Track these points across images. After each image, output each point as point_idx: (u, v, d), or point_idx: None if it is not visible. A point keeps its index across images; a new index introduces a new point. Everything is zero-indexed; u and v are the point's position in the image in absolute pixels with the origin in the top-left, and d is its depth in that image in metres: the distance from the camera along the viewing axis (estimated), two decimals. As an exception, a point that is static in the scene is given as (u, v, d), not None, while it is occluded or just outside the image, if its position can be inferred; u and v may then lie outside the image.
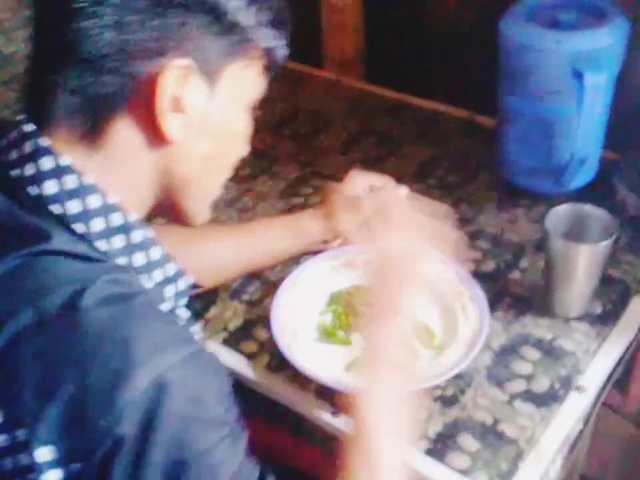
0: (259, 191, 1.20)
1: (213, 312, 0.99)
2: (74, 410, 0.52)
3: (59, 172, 0.59)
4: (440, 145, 1.26)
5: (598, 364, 0.87)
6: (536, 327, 0.92)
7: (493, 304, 0.93)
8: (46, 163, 0.59)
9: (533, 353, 0.88)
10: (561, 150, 1.03)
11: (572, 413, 0.82)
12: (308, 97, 1.44)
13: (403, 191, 1.03)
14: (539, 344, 0.89)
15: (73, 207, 0.59)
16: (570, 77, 0.97)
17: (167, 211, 0.69)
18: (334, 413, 0.84)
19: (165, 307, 0.64)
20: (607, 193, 1.07)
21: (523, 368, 0.87)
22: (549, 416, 0.81)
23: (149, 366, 0.53)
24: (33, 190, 0.59)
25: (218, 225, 1.12)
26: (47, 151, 0.60)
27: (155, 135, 0.61)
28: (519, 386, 0.84)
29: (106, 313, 0.54)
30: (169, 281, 0.67)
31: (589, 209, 0.91)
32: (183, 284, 0.70)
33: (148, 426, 0.52)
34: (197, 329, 0.73)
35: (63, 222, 0.59)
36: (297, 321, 0.93)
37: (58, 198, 0.59)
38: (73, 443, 0.52)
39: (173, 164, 0.64)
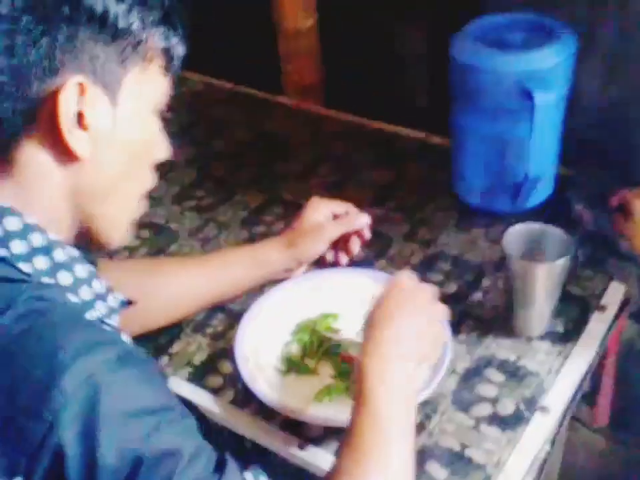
0: (221, 220, 1.20)
1: (177, 347, 0.98)
2: (7, 428, 0.52)
3: None
4: (397, 168, 1.27)
5: (562, 383, 0.87)
6: (499, 348, 0.92)
7: (456, 326, 0.93)
8: None
9: (497, 375, 0.89)
10: (515, 169, 1.04)
11: (538, 434, 0.82)
12: (267, 123, 1.45)
13: (365, 218, 1.03)
14: (503, 365, 0.90)
15: None
16: (520, 97, 0.99)
17: (85, 234, 0.68)
18: (301, 446, 0.83)
19: (92, 315, 0.65)
20: (563, 210, 1.08)
21: (488, 391, 0.87)
22: (515, 439, 0.81)
23: (74, 369, 0.53)
24: None
25: (180, 257, 1.12)
26: None
27: (63, 153, 0.61)
28: (484, 409, 0.85)
29: (25, 328, 0.55)
30: (97, 298, 0.67)
31: (545, 227, 0.92)
32: (113, 301, 0.70)
33: (88, 429, 0.52)
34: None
35: None
36: (262, 352, 0.92)
37: None
38: (14, 457, 0.52)
39: (86, 180, 0.63)
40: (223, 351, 0.96)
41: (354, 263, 1.06)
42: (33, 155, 0.61)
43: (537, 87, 0.96)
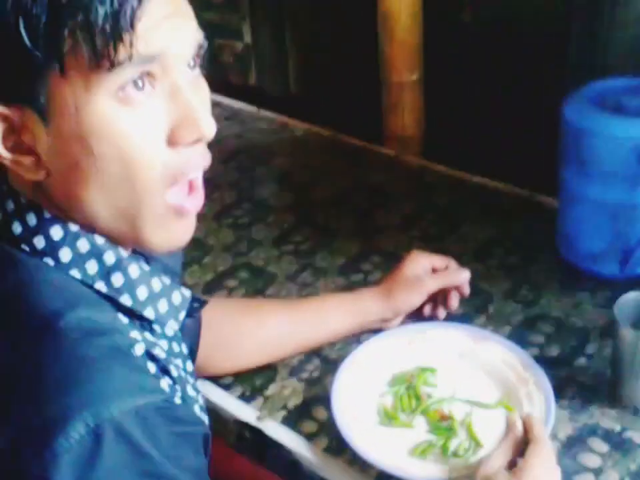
0: (319, 266, 1.21)
1: (271, 389, 0.98)
2: (8, 453, 0.52)
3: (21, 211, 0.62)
4: (500, 224, 1.26)
5: (670, 459, 0.84)
6: (603, 417, 0.89)
7: (558, 391, 0.90)
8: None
9: (601, 446, 0.86)
10: (627, 235, 1.02)
11: (644, 510, 0.79)
12: (367, 173, 1.46)
13: (465, 274, 1.02)
14: (607, 436, 0.87)
15: (38, 241, 0.61)
16: (636, 163, 0.97)
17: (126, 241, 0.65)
18: (395, 501, 0.82)
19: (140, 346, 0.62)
20: (674, 279, 1.05)
21: (591, 461, 0.84)
22: (619, 513, 0.78)
23: (89, 413, 0.51)
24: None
25: (278, 299, 1.13)
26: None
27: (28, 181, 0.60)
28: (587, 480, 0.82)
29: (71, 346, 0.55)
30: (156, 296, 0.66)
31: (658, 297, 0.89)
32: (177, 298, 0.69)
33: (79, 477, 0.51)
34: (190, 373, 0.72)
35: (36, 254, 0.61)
36: (357, 402, 0.92)
37: (23, 236, 0.61)
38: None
39: (54, 189, 0.61)
40: (318, 397, 0.96)
41: (452, 317, 1.05)
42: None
43: (654, 153, 0.95)
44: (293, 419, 0.94)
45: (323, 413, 0.93)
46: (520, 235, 1.22)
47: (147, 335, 0.65)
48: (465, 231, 1.25)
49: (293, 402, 0.96)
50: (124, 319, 0.64)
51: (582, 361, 0.97)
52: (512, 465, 0.75)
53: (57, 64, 0.54)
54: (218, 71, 1.82)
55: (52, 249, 0.61)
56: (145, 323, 0.66)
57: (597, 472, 0.83)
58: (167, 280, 0.69)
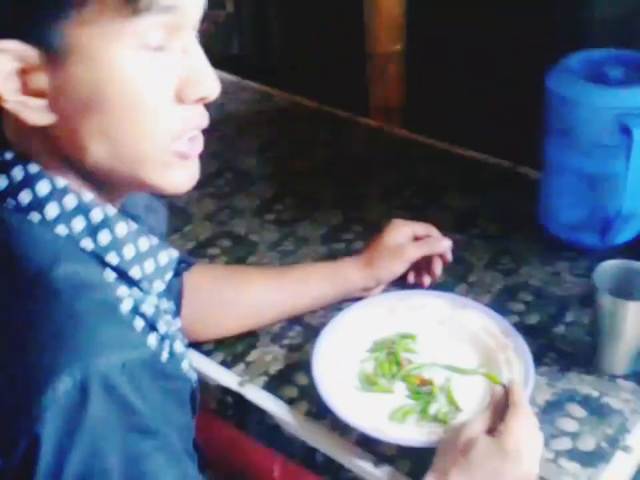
0: (300, 235, 1.21)
1: (253, 355, 0.99)
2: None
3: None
4: (482, 195, 1.26)
5: (646, 423, 0.85)
6: (582, 383, 0.90)
7: (537, 358, 0.92)
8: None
9: (578, 411, 0.87)
10: (607, 205, 1.03)
11: (619, 472, 0.80)
12: (350, 144, 1.46)
13: (447, 242, 1.03)
14: (584, 401, 0.88)
15: (24, 196, 0.60)
16: (617, 133, 0.98)
17: (131, 186, 0.66)
18: (376, 463, 0.83)
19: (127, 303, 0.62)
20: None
21: (569, 425, 0.85)
22: (595, 476, 0.79)
23: (76, 367, 0.52)
24: None
25: (260, 267, 1.13)
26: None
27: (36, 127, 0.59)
28: (564, 444, 0.83)
29: (58, 302, 0.55)
30: (143, 256, 0.66)
31: (636, 265, 0.90)
32: (164, 258, 0.68)
33: (66, 430, 0.51)
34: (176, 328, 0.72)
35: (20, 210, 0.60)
36: (338, 368, 0.92)
37: (8, 191, 0.60)
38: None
39: (61, 134, 0.60)
40: (299, 363, 0.97)
41: (433, 285, 1.06)
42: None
43: (636, 124, 0.95)
44: (274, 385, 0.94)
45: (304, 379, 0.94)
46: (501, 205, 1.23)
47: (135, 290, 0.65)
48: (446, 201, 1.26)
49: (274, 367, 0.97)
50: (111, 275, 0.63)
51: (561, 328, 0.98)
52: (494, 432, 0.75)
53: (79, 5, 0.54)
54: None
55: (38, 204, 0.60)
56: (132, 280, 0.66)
57: (574, 436, 0.84)
58: (154, 240, 0.68)
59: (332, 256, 1.14)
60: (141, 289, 0.66)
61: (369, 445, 0.84)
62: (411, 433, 0.84)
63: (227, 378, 0.95)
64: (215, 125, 1.51)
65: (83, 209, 0.62)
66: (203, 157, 1.41)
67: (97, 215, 0.63)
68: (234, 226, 1.24)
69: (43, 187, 0.60)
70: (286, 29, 1.71)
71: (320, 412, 0.89)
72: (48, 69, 0.56)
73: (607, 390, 0.89)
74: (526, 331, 0.95)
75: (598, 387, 0.90)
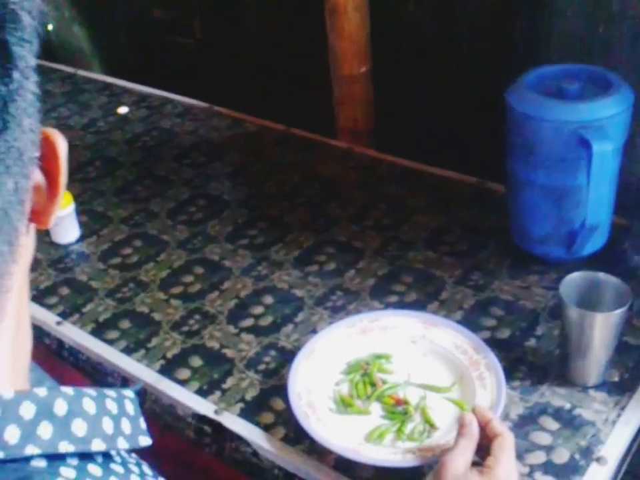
0: (274, 259, 1.22)
1: (229, 382, 0.99)
2: None
3: None
4: (451, 212, 1.28)
5: (618, 433, 0.86)
6: (554, 395, 0.91)
7: (510, 372, 0.93)
8: None
9: (551, 423, 0.88)
10: (572, 218, 1.05)
11: (593, 484, 0.81)
12: (320, 166, 1.47)
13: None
14: (557, 414, 0.89)
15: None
16: (577, 146, 0.99)
17: None
18: (353, 486, 0.83)
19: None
20: (618, 259, 1.08)
21: (543, 439, 0.86)
22: (570, 488, 0.80)
23: None
24: None
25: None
26: None
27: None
28: (539, 457, 0.84)
29: None
30: (118, 417, 0.48)
31: (602, 276, 0.91)
32: (130, 406, 0.49)
33: None
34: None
35: None
36: (313, 391, 0.93)
37: None
38: None
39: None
40: (275, 388, 0.97)
41: (405, 304, 1.07)
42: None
43: (595, 137, 0.97)
44: (251, 411, 0.94)
45: (280, 404, 0.94)
46: (470, 221, 1.25)
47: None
48: (416, 219, 1.27)
49: (250, 394, 0.97)
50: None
51: (532, 341, 0.99)
52: (481, 465, 0.74)
53: None
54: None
55: None
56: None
57: (548, 449, 0.85)
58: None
59: (305, 278, 1.15)
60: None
61: (347, 468, 0.85)
62: (388, 454, 0.85)
63: (203, 406, 0.95)
64: (187, 152, 1.56)
65: (44, 411, 0.44)
66: (176, 184, 1.44)
67: (60, 408, 0.45)
68: (207, 252, 1.25)
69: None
70: (252, 54, 1.72)
71: (297, 437, 0.89)
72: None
73: (579, 401, 0.90)
74: (498, 345, 0.96)
75: (570, 399, 0.91)
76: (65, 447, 0.44)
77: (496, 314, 1.05)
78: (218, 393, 0.97)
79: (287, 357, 0.99)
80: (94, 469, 0.45)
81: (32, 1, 0.40)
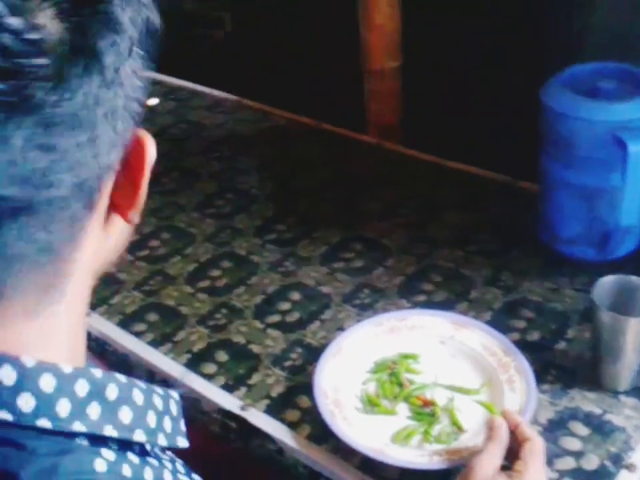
0: (301, 254, 1.21)
1: (255, 378, 0.99)
2: None
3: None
4: (481, 211, 1.26)
5: (649, 440, 0.85)
6: (584, 400, 0.90)
7: (539, 375, 0.91)
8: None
9: (581, 429, 0.87)
10: (605, 219, 1.03)
11: (623, 492, 0.80)
12: (349, 161, 1.46)
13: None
14: (587, 419, 0.88)
15: (24, 403, 0.43)
16: (612, 146, 0.98)
17: None
18: (378, 487, 0.83)
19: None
20: (652, 262, 1.06)
21: (572, 444, 0.85)
22: (600, 495, 0.79)
23: None
24: None
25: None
26: None
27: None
28: (568, 464, 0.83)
29: None
30: (162, 414, 0.50)
31: (636, 280, 0.90)
32: (174, 407, 0.52)
33: None
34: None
35: (22, 426, 0.43)
36: (340, 390, 0.92)
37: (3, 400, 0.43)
38: None
39: (108, 253, 0.51)
40: (301, 386, 0.96)
41: (433, 304, 1.06)
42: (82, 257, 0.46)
43: (631, 137, 0.95)
44: (276, 408, 0.94)
45: (306, 401, 0.94)
46: (501, 220, 1.23)
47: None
48: (446, 217, 1.26)
49: (276, 390, 0.96)
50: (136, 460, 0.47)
51: (562, 345, 0.98)
52: (510, 470, 0.73)
53: None
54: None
55: (46, 406, 0.43)
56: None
57: (578, 455, 0.84)
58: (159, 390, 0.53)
59: (332, 274, 1.14)
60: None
61: (372, 468, 0.84)
62: (414, 455, 0.84)
63: (229, 402, 0.95)
64: (215, 145, 1.56)
65: (96, 392, 0.46)
66: (204, 177, 1.43)
67: (111, 393, 0.47)
68: (235, 247, 1.25)
69: (47, 382, 0.44)
70: (283, 47, 1.71)
71: (322, 435, 0.88)
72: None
73: (609, 407, 0.89)
74: (527, 348, 0.95)
75: (601, 404, 0.89)
76: (109, 430, 0.46)
77: (526, 316, 1.03)
78: (243, 389, 0.97)
79: (313, 354, 0.99)
80: (132, 457, 0.47)
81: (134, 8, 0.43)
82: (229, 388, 0.97)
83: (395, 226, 1.24)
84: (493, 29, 1.33)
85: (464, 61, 1.40)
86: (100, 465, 0.43)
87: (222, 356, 1.03)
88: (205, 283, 1.17)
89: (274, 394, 0.96)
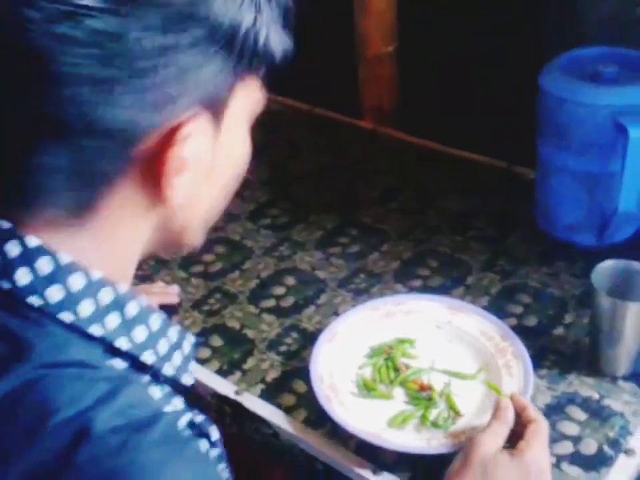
0: (296, 240, 1.20)
1: (249, 363, 0.98)
2: None
3: (28, 257, 0.49)
4: (478, 197, 1.25)
5: (647, 425, 0.84)
6: (582, 385, 0.89)
7: (537, 360, 0.91)
8: (12, 250, 0.49)
9: (579, 413, 0.86)
10: (603, 205, 1.02)
11: (621, 476, 0.79)
12: (345, 147, 1.45)
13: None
14: (585, 404, 0.87)
15: (54, 294, 0.49)
16: (612, 131, 0.97)
17: (157, 251, 0.60)
18: (375, 471, 0.82)
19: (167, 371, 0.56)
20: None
21: (570, 429, 0.84)
22: (598, 480, 0.79)
23: None
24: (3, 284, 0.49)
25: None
26: (10, 235, 0.49)
27: (156, 199, 0.51)
28: (566, 448, 0.82)
29: (123, 447, 0.44)
30: (174, 348, 0.57)
31: (635, 265, 0.89)
32: (187, 346, 0.59)
33: None
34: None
35: (45, 313, 0.49)
36: (336, 374, 0.91)
37: (33, 288, 0.49)
38: None
39: (176, 218, 0.55)
40: (296, 370, 0.96)
41: (430, 289, 1.05)
42: (118, 206, 0.51)
43: (632, 122, 0.94)
44: (272, 393, 0.93)
45: (302, 386, 0.93)
46: (498, 206, 1.22)
47: (177, 400, 0.58)
48: (443, 203, 1.25)
49: (271, 375, 0.96)
50: (146, 379, 0.55)
51: (560, 330, 0.97)
52: (512, 448, 0.73)
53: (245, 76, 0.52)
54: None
55: (70, 301, 0.50)
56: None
57: (576, 440, 0.83)
58: (177, 326, 0.59)
59: (327, 259, 1.13)
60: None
61: (368, 453, 0.83)
62: (411, 440, 0.83)
63: (224, 387, 0.94)
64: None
65: (118, 304, 0.52)
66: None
67: (132, 309, 0.53)
68: (229, 231, 1.23)
69: (76, 281, 0.50)
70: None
71: (318, 419, 0.88)
72: (207, 137, 0.52)
73: (607, 392, 0.88)
74: (525, 333, 0.94)
75: (598, 389, 0.89)
76: (122, 342, 0.52)
77: (523, 301, 1.03)
78: (238, 374, 0.96)
79: (309, 339, 0.98)
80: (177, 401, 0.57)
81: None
82: (223, 373, 0.96)
83: (390, 211, 1.24)
84: (491, 12, 1.31)
85: (461, 46, 1.39)
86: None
87: (216, 340, 1.02)
88: (199, 268, 1.15)
89: (269, 379, 0.95)
